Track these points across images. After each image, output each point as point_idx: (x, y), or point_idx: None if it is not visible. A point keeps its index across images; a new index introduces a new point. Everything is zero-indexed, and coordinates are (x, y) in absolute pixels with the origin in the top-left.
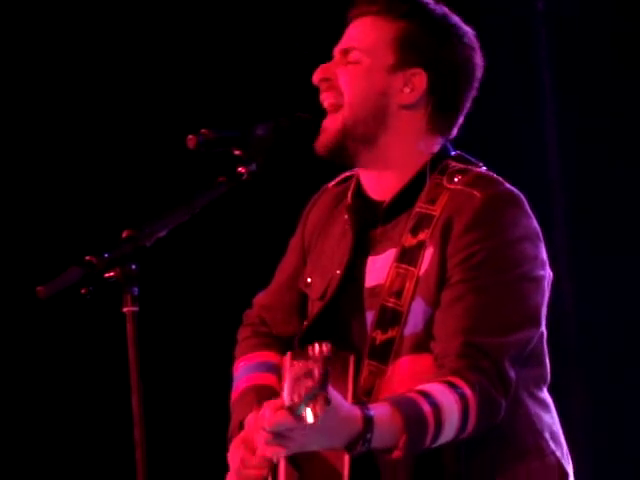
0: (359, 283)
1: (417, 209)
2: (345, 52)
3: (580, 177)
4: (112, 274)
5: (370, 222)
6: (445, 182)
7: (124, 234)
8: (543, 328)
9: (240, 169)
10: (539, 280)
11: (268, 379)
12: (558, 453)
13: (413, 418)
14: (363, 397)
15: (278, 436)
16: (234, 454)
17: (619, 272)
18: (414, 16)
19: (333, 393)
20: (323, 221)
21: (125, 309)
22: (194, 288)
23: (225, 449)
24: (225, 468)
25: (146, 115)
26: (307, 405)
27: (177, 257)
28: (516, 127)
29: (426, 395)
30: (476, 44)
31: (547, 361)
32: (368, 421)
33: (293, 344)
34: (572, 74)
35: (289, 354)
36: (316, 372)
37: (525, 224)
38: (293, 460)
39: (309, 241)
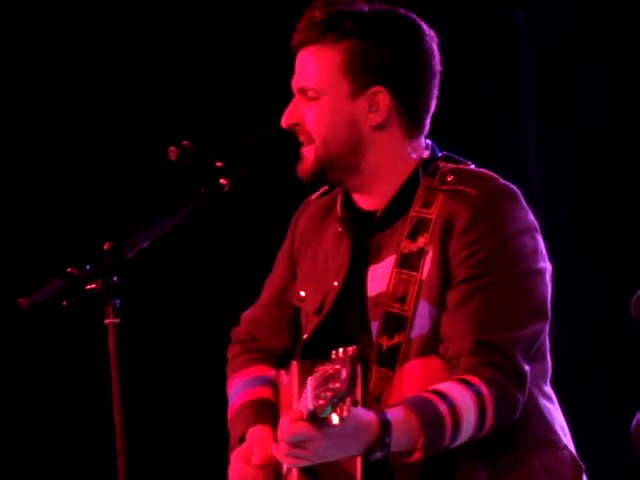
0: (361, 293)
1: (413, 214)
2: (301, 91)
3: (560, 186)
4: (94, 286)
5: (365, 231)
6: (438, 184)
7: (106, 246)
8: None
9: (222, 181)
10: (542, 272)
11: (265, 392)
12: (571, 447)
13: (430, 419)
14: (373, 404)
15: (297, 447)
16: (233, 468)
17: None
18: (354, 33)
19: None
20: (311, 233)
21: (107, 321)
22: (176, 300)
23: (209, 459)
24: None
25: (128, 127)
26: (333, 408)
27: (159, 269)
28: (497, 139)
29: (441, 395)
30: (425, 32)
31: (549, 356)
32: (385, 425)
33: (293, 356)
34: (553, 84)
35: (295, 364)
36: (343, 373)
37: (522, 217)
38: (306, 467)
39: (298, 254)
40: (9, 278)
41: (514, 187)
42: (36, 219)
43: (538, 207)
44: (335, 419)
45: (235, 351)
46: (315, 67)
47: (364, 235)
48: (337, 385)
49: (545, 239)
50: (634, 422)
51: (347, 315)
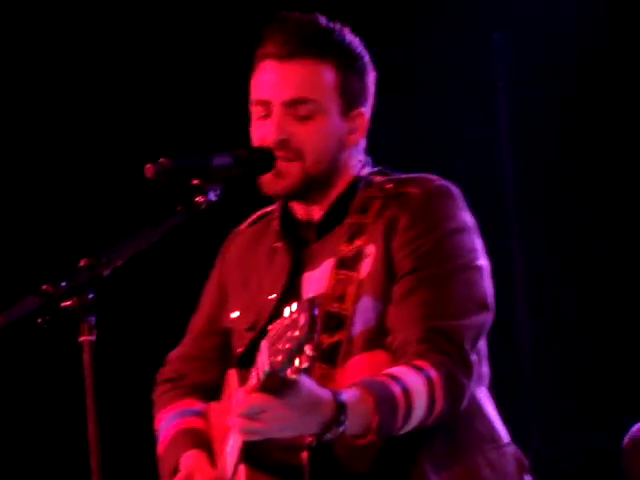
0: (296, 299)
1: (349, 220)
2: (293, 104)
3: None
4: (69, 303)
5: (301, 243)
6: (375, 192)
7: (81, 263)
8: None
9: (198, 199)
10: (481, 269)
11: (197, 423)
12: (513, 445)
13: (384, 399)
14: None
15: (253, 419)
16: None
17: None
18: (343, 53)
19: (305, 377)
20: (243, 259)
21: (82, 338)
22: (152, 317)
23: None
24: None
25: (105, 145)
26: (293, 359)
27: (135, 286)
28: (472, 155)
29: (394, 378)
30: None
31: (486, 361)
32: (340, 404)
33: (228, 368)
34: (528, 103)
35: (234, 373)
36: (302, 320)
37: (460, 216)
38: (253, 468)
39: (228, 281)
40: None
41: (453, 186)
42: (11, 236)
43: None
44: (294, 373)
45: (162, 389)
46: (318, 82)
47: (300, 246)
48: (296, 333)
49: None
50: (627, 438)
51: None
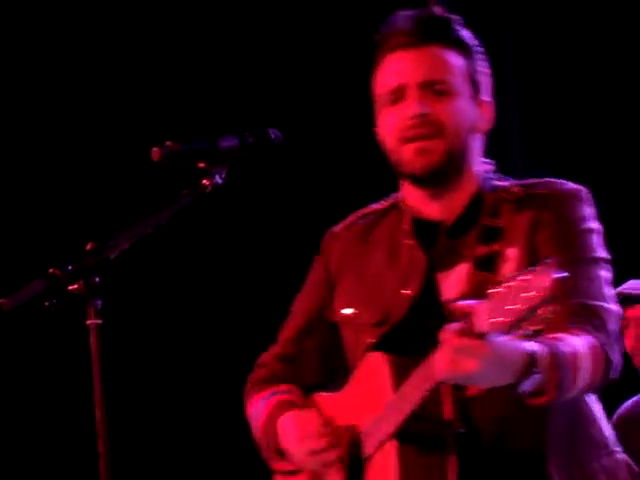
0: (433, 300)
1: (482, 223)
2: (429, 85)
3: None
4: (75, 287)
5: (430, 242)
6: (505, 196)
7: (88, 246)
8: None
9: (204, 182)
10: (610, 276)
11: (297, 398)
12: (622, 452)
13: (561, 357)
14: None
15: (465, 357)
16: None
17: None
18: (464, 43)
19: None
20: (351, 256)
21: (88, 322)
22: (159, 300)
23: (192, 461)
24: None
25: (110, 128)
26: (523, 320)
27: (142, 269)
28: None
29: (561, 340)
30: None
31: None
32: (531, 355)
33: (365, 350)
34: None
35: (384, 356)
36: (546, 281)
37: (597, 220)
38: (405, 444)
39: (336, 278)
40: None
41: (585, 189)
42: (19, 220)
43: None
44: (521, 336)
45: (261, 389)
46: (449, 65)
47: (429, 245)
48: (532, 294)
49: None
50: (615, 416)
51: (420, 321)
